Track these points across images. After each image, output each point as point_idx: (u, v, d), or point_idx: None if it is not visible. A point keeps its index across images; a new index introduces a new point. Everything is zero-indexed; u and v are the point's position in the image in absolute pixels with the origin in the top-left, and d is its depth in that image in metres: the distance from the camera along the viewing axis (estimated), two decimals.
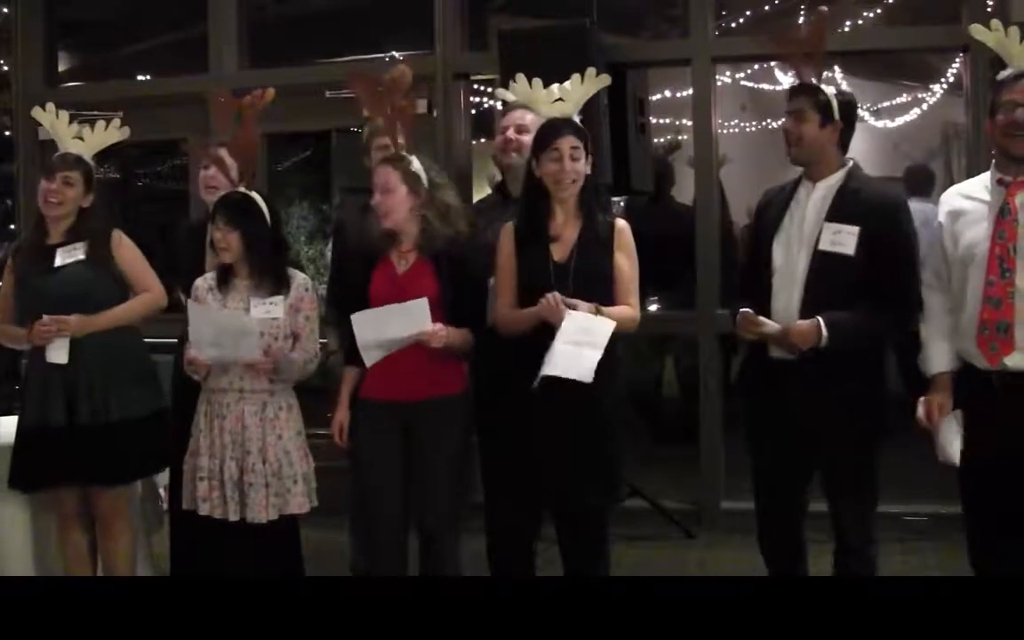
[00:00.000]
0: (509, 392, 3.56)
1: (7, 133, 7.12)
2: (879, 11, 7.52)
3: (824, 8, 3.71)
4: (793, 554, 3.69)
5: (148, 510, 4.45)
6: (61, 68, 7.10)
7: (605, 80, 3.84)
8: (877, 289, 3.42)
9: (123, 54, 8.50)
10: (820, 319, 3.39)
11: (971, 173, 4.09)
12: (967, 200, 3.38)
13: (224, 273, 3.83)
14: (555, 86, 3.76)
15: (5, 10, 6.86)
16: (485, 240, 3.84)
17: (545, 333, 3.44)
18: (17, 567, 4.20)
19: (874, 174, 4.07)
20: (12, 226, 7.12)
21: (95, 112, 4.60)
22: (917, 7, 7.16)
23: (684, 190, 6.47)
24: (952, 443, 3.33)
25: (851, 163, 3.57)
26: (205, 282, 3.88)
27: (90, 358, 3.97)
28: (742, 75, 9.04)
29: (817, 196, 3.53)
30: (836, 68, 7.42)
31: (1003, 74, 3.36)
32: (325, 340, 4.27)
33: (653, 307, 6.14)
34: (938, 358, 3.39)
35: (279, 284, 3.80)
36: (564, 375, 3.36)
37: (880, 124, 10.02)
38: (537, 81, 3.77)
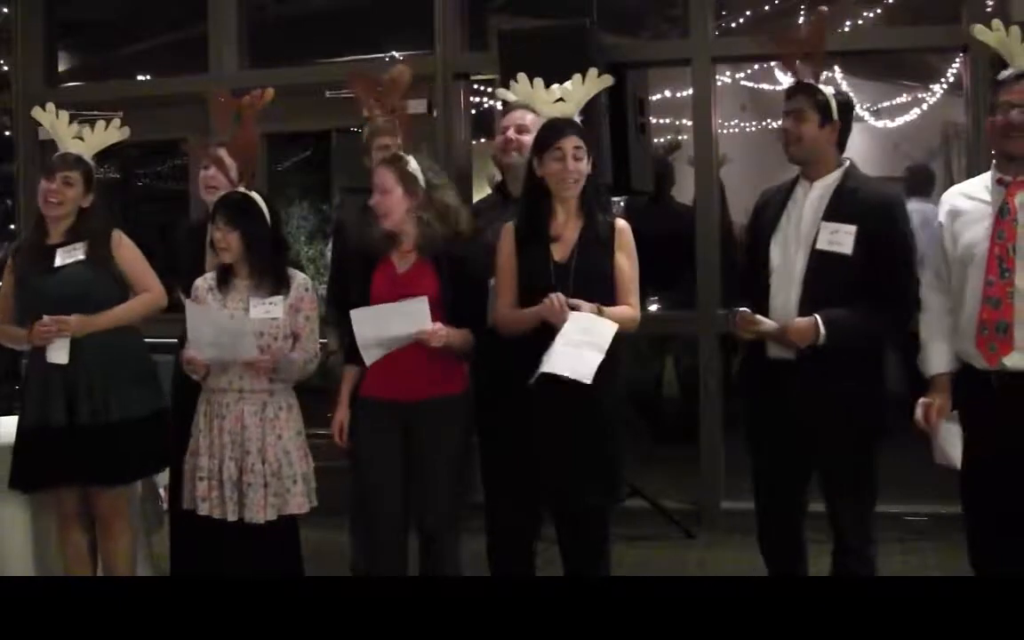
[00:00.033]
0: (509, 392, 3.56)
1: (7, 133, 7.12)
2: (879, 11, 7.52)
3: (824, 8, 3.71)
4: (793, 554, 3.69)
5: (148, 510, 4.45)
6: (61, 68, 7.10)
7: (607, 81, 3.84)
8: (875, 288, 3.43)
9: (123, 54, 8.49)
10: (818, 317, 3.40)
11: (971, 173, 4.10)
12: (967, 200, 3.38)
13: (224, 273, 3.83)
14: (555, 86, 3.77)
15: (5, 10, 6.86)
16: (485, 240, 3.84)
17: (546, 333, 3.44)
18: (17, 567, 4.20)
19: (874, 174, 4.07)
20: (12, 226, 7.11)
21: (95, 112, 4.60)
22: (917, 7, 7.16)
23: (684, 190, 6.47)
24: (953, 446, 3.33)
25: (848, 163, 3.58)
26: (205, 282, 3.88)
27: (90, 358, 3.97)
28: (742, 75, 9.03)
29: (814, 196, 3.54)
30: (836, 68, 7.42)
31: (1003, 74, 3.37)
32: (325, 340, 4.28)
33: (653, 307, 6.14)
34: (937, 359, 3.39)
35: (279, 284, 3.80)
36: (563, 373, 3.36)
37: (880, 124, 10.01)
38: (538, 81, 3.77)
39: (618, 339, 3.47)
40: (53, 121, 4.19)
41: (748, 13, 7.44)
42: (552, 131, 3.61)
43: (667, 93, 8.25)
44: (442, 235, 3.69)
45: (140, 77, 7.49)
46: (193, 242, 4.30)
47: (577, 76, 3.76)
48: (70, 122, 4.19)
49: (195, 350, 3.75)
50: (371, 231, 3.76)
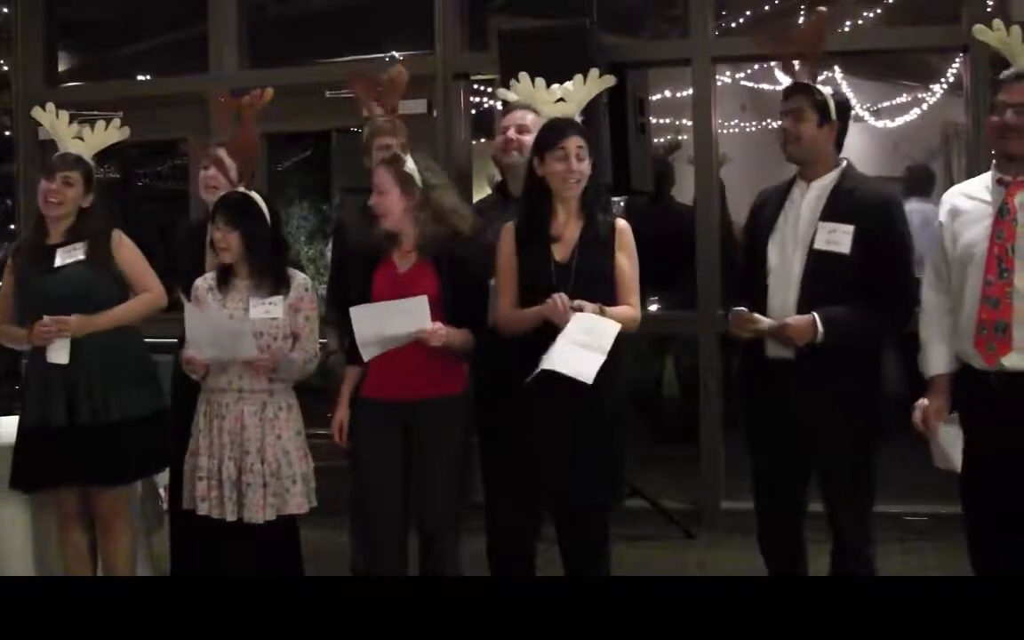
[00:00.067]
0: (509, 392, 3.56)
1: (7, 133, 7.12)
2: (879, 11, 7.51)
3: (823, 9, 3.71)
4: (793, 554, 3.69)
5: (148, 510, 4.45)
6: (61, 68, 7.10)
7: (608, 81, 3.84)
8: (873, 287, 3.43)
9: (123, 54, 8.49)
10: (816, 314, 3.41)
11: (971, 173, 4.10)
12: (968, 200, 3.38)
13: (224, 273, 3.83)
14: (556, 86, 3.76)
15: (5, 10, 6.86)
16: (486, 240, 3.84)
17: (546, 333, 3.44)
18: (17, 567, 4.20)
19: (874, 174, 4.08)
20: (12, 226, 7.11)
21: (95, 112, 4.60)
22: (917, 7, 7.16)
23: (684, 190, 6.47)
24: (953, 448, 3.32)
25: (845, 163, 3.59)
26: (205, 282, 3.88)
27: (90, 358, 3.97)
28: (742, 75, 9.03)
29: (812, 196, 3.55)
30: (836, 68, 7.43)
31: (1003, 74, 3.37)
32: (325, 340, 4.28)
33: (653, 307, 6.14)
34: (936, 360, 3.39)
35: (279, 284, 3.80)
36: (563, 371, 3.36)
37: (880, 124, 10.01)
38: (540, 81, 3.77)
39: (618, 339, 3.47)
40: (53, 121, 4.19)
41: (748, 13, 7.44)
42: (555, 131, 3.61)
43: (667, 93, 8.24)
44: (442, 235, 3.69)
45: (140, 77, 7.49)
46: (193, 242, 4.30)
47: (578, 76, 3.76)
48: (70, 122, 4.19)
49: (194, 350, 3.75)
50: (372, 231, 3.77)
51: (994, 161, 3.38)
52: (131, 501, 4.21)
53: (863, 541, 3.54)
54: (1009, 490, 3.21)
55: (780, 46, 3.76)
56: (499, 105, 4.56)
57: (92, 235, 4.05)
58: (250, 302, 3.77)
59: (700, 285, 5.59)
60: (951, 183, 4.44)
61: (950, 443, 3.33)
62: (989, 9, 5.14)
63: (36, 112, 4.25)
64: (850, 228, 3.45)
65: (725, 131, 8.11)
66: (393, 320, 3.59)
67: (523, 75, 3.80)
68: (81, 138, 4.16)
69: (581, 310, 3.44)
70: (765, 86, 8.88)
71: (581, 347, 3.39)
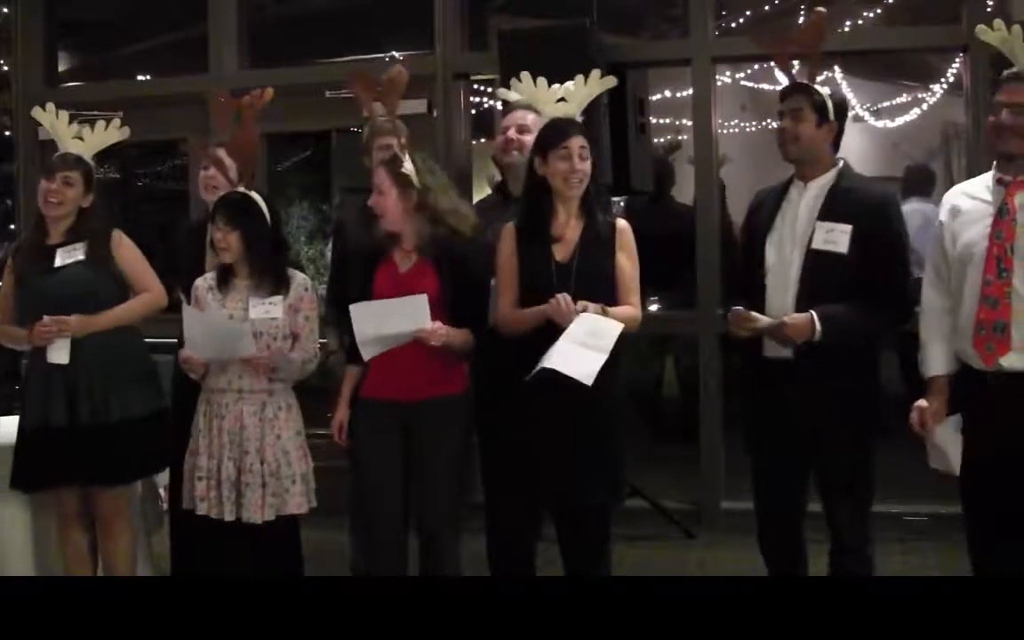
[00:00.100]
0: (509, 392, 3.56)
1: (7, 133, 7.12)
2: (879, 11, 7.52)
3: (822, 9, 3.71)
4: (793, 554, 3.69)
5: (148, 510, 4.45)
6: (61, 68, 7.10)
7: (610, 82, 3.84)
8: (870, 286, 3.44)
9: (123, 54, 8.49)
10: (814, 312, 3.41)
11: (971, 173, 4.10)
12: (968, 199, 3.38)
13: (224, 273, 3.83)
14: (557, 86, 3.76)
15: (5, 10, 6.86)
16: (486, 240, 3.84)
17: (547, 333, 3.44)
18: (17, 567, 4.19)
19: (874, 174, 4.08)
20: (12, 226, 7.11)
21: (95, 112, 4.60)
22: (917, 7, 7.16)
23: (684, 190, 6.47)
24: (952, 449, 3.32)
25: (842, 163, 3.60)
26: (205, 282, 3.88)
27: (90, 358, 3.97)
28: (742, 75, 9.04)
29: (809, 196, 3.56)
30: (836, 68, 7.42)
31: (1004, 74, 3.38)
32: (325, 340, 4.27)
33: (653, 307, 6.14)
34: (935, 360, 3.39)
35: (279, 284, 3.80)
36: (563, 371, 3.35)
37: (880, 124, 10.02)
38: (541, 80, 3.77)
39: (619, 339, 3.47)
40: (53, 121, 4.19)
41: (748, 13, 7.44)
42: (558, 131, 3.60)
43: (667, 93, 8.25)
44: (442, 235, 3.69)
45: (140, 77, 7.49)
46: (193, 242, 4.30)
47: (580, 76, 3.76)
48: (70, 122, 4.19)
49: (191, 350, 3.75)
50: (373, 230, 3.77)
51: (995, 161, 3.38)
52: (131, 501, 4.21)
53: (862, 541, 3.54)
54: (1009, 490, 3.20)
55: (779, 46, 3.76)
56: (499, 105, 4.56)
57: (92, 235, 4.05)
58: (250, 302, 3.77)
59: (700, 285, 5.59)
60: (951, 183, 4.44)
61: (948, 444, 3.32)
62: (989, 9, 5.14)
63: (36, 112, 4.25)
64: (848, 228, 3.45)
65: (725, 131, 8.11)
66: (393, 319, 3.59)
67: (525, 74, 3.80)
68: (81, 138, 4.15)
69: (586, 311, 3.44)
70: (765, 86, 8.89)
71: (584, 347, 3.39)
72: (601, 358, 3.38)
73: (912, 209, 6.51)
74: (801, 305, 3.45)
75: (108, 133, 4.19)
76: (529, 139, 3.87)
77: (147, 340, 4.23)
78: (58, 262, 4.00)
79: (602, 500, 3.64)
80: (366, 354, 3.65)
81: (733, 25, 7.16)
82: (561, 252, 3.60)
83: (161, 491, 4.50)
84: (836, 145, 3.61)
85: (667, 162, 7.03)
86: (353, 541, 4.46)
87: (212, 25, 6.26)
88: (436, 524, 3.73)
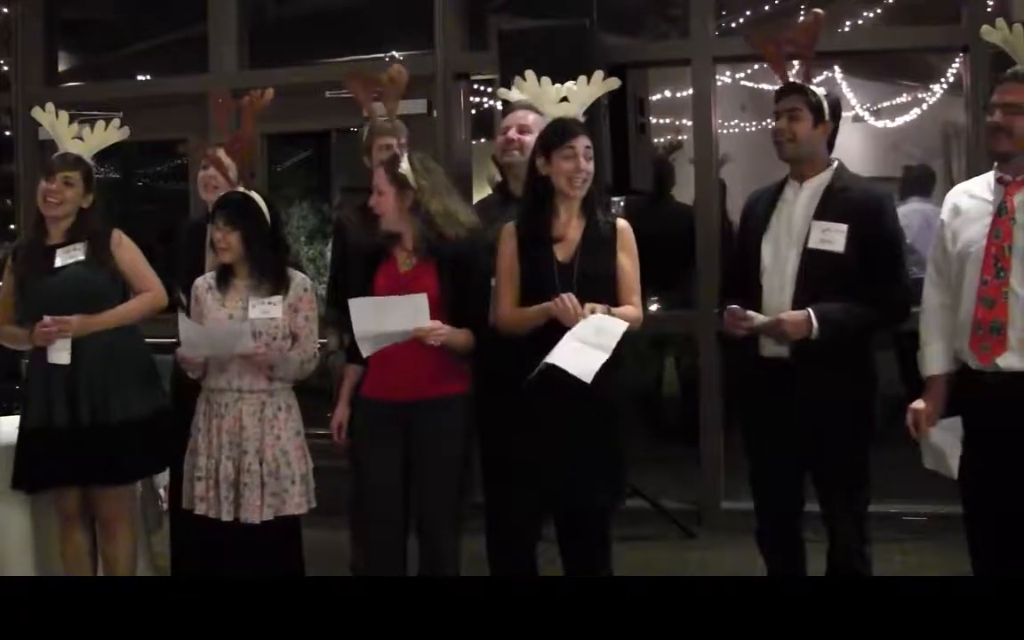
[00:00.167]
0: (509, 392, 3.56)
1: (7, 133, 7.12)
2: (879, 11, 7.52)
3: (820, 11, 3.71)
4: (792, 553, 3.69)
5: (148, 510, 4.44)
6: (61, 68, 7.10)
7: (613, 83, 3.83)
8: (867, 285, 3.45)
9: (123, 54, 8.49)
10: (811, 310, 3.42)
11: (971, 173, 4.10)
12: (969, 198, 3.39)
13: (224, 273, 3.83)
14: (559, 85, 3.76)
15: (5, 10, 6.86)
16: (486, 240, 3.83)
17: (548, 333, 3.43)
18: (17, 567, 4.19)
19: (874, 174, 4.09)
20: (12, 226, 7.11)
21: (95, 112, 4.59)
22: (917, 7, 7.17)
23: (684, 190, 6.47)
24: (948, 451, 3.31)
25: (837, 163, 3.62)
26: (205, 282, 3.88)
27: (91, 358, 3.96)
28: (742, 75, 9.04)
29: (805, 195, 3.57)
30: (836, 68, 7.43)
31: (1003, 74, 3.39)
32: (325, 340, 4.27)
33: (653, 307, 6.14)
34: (933, 360, 3.38)
35: (278, 284, 3.80)
36: (564, 368, 3.35)
37: (880, 124, 10.02)
38: (544, 80, 3.76)
39: (623, 340, 3.47)
40: (53, 121, 4.19)
41: (748, 13, 7.44)
42: (563, 131, 3.59)
43: (667, 93, 8.25)
44: (432, 237, 3.69)
45: (140, 77, 7.49)
46: (193, 242, 4.30)
47: (582, 77, 3.76)
48: (70, 122, 4.19)
49: (189, 351, 3.75)
50: (373, 230, 3.77)
51: (995, 161, 3.39)
52: (132, 503, 4.20)
53: (859, 540, 3.54)
54: (1007, 490, 3.20)
55: (774, 46, 3.76)
56: (499, 105, 4.56)
57: (92, 235, 4.05)
58: (249, 302, 3.77)
59: (700, 285, 5.59)
60: (951, 183, 4.45)
61: (945, 445, 3.32)
62: (989, 9, 5.14)
63: (36, 112, 4.25)
64: (844, 227, 3.47)
65: (725, 131, 8.12)
66: (392, 316, 3.59)
67: (529, 74, 3.79)
68: (81, 138, 4.15)
69: (594, 312, 3.43)
70: (765, 86, 8.87)
71: (587, 346, 3.39)
72: (603, 356, 3.38)
73: (912, 209, 6.52)
74: (798, 304, 3.46)
75: (108, 133, 4.19)
76: (530, 139, 3.87)
77: (147, 340, 4.22)
78: (58, 262, 4.00)
79: (602, 500, 3.63)
80: (364, 350, 3.64)
81: (733, 25, 7.16)
82: (562, 252, 3.59)
83: (161, 491, 4.50)
84: (830, 145, 3.62)
85: (667, 162, 7.04)
86: (353, 541, 4.46)
87: (212, 25, 6.26)
88: (436, 524, 3.72)
